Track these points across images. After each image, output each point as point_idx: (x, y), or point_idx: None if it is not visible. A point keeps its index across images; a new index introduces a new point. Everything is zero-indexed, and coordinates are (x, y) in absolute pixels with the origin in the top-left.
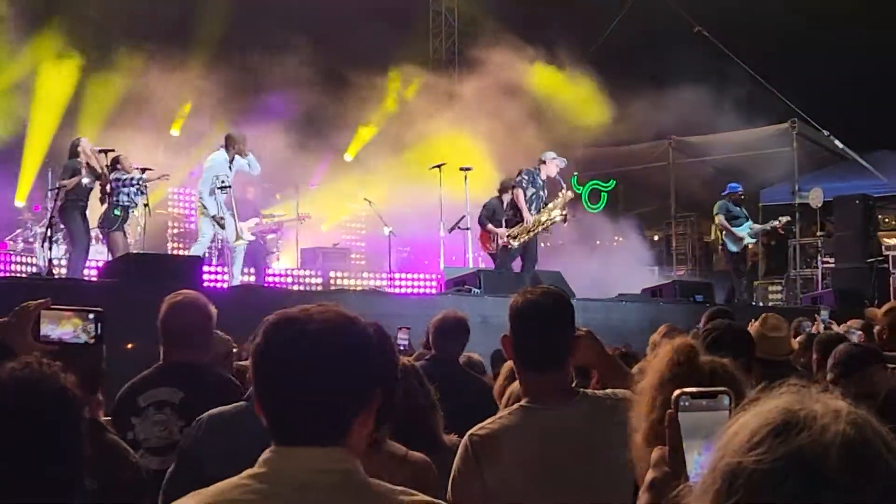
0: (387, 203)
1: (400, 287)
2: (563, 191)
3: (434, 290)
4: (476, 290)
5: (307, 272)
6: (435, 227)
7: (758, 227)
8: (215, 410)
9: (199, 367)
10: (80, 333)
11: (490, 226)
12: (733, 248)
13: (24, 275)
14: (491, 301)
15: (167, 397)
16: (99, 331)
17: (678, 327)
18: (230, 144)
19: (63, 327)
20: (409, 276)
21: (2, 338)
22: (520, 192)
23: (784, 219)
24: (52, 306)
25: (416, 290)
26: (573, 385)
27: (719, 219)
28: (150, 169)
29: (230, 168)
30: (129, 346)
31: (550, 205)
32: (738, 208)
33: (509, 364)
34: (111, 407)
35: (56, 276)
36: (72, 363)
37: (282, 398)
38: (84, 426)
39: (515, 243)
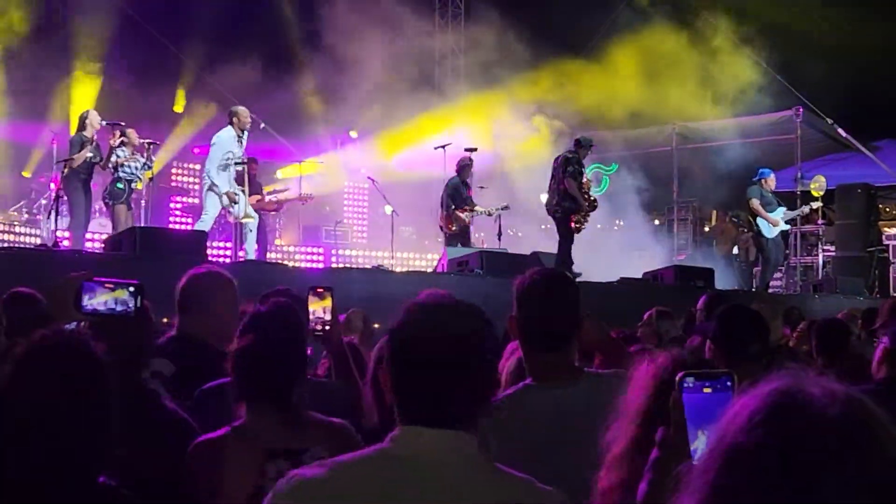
0: (390, 181)
1: (402, 266)
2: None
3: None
4: (478, 271)
5: (307, 249)
6: (435, 206)
7: (791, 212)
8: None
9: (199, 342)
10: (120, 305)
11: (453, 206)
12: (767, 233)
13: (29, 246)
14: (492, 281)
15: (160, 368)
16: (139, 303)
17: (668, 309)
18: (232, 118)
19: (104, 298)
20: (411, 255)
21: (45, 308)
22: (572, 181)
23: (816, 204)
24: (95, 278)
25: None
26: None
27: (754, 203)
28: (156, 143)
29: (240, 143)
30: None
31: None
32: (769, 194)
33: (511, 345)
34: None
35: (61, 248)
36: (112, 333)
37: (419, 382)
38: (114, 394)
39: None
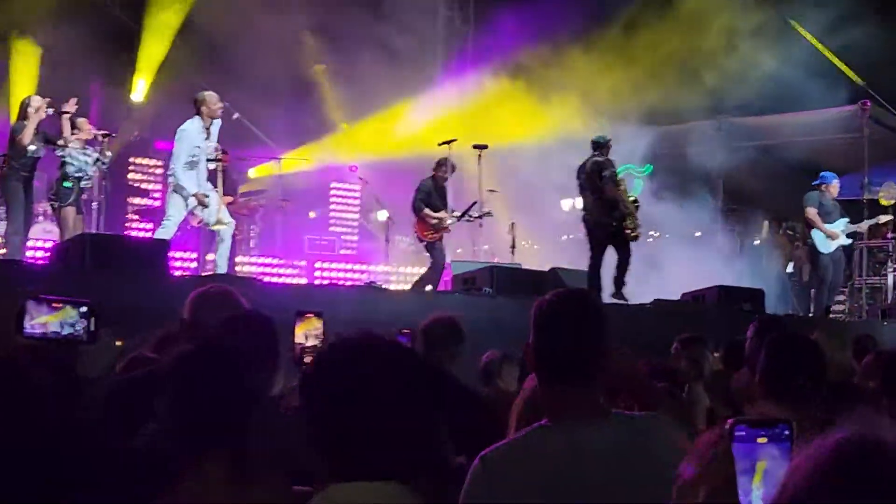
0: (385, 183)
1: (399, 283)
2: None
3: (439, 288)
4: (488, 290)
5: (287, 262)
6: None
7: (854, 225)
8: None
9: None
10: (68, 328)
11: (427, 210)
12: (823, 248)
13: None
14: (506, 302)
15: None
16: (92, 326)
17: (697, 335)
18: (200, 107)
19: (50, 320)
20: (410, 269)
21: None
22: (612, 186)
23: (885, 217)
24: (41, 296)
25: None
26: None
27: (810, 213)
28: (111, 134)
29: (207, 135)
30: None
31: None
32: (830, 202)
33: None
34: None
35: None
36: (60, 361)
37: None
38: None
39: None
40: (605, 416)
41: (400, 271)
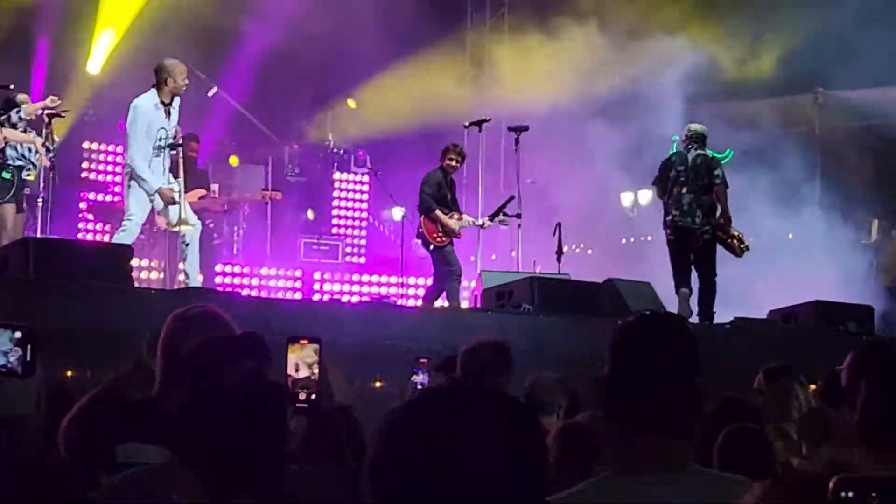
0: (399, 172)
1: (417, 298)
2: None
3: (467, 304)
4: (527, 307)
5: (279, 273)
6: (470, 212)
7: None
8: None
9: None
10: (2, 359)
11: (438, 212)
12: None
13: None
14: (549, 322)
15: (153, 458)
16: (29, 356)
17: (785, 365)
18: (163, 78)
19: None
20: (429, 281)
21: None
22: (724, 189)
23: None
24: None
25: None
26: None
27: None
28: (59, 114)
29: (168, 114)
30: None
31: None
32: None
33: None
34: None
35: None
36: None
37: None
38: None
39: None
40: (684, 471)
41: (419, 283)
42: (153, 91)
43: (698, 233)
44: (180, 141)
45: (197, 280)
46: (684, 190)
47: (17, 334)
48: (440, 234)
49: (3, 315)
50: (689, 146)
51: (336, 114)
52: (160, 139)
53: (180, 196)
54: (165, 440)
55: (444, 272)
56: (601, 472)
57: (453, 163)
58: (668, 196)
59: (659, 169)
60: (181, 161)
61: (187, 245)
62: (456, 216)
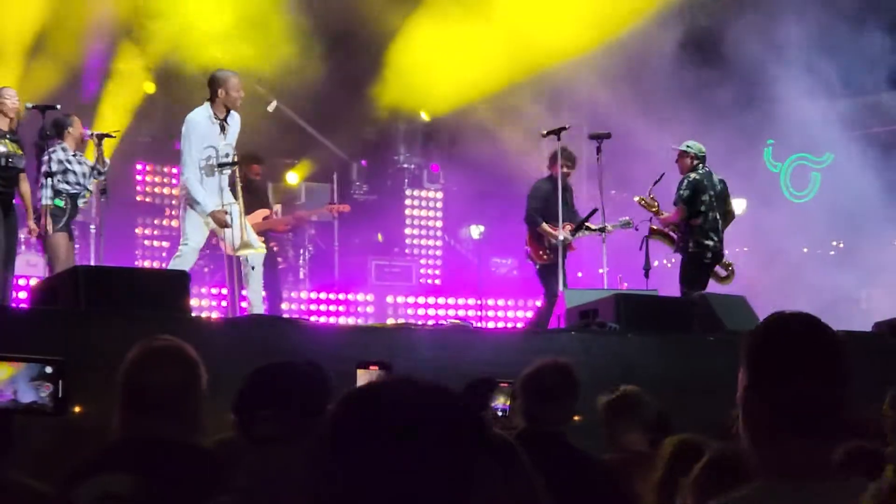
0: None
1: (496, 320)
2: None
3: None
4: (612, 325)
5: (348, 297)
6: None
7: None
8: None
9: (170, 443)
10: (28, 395)
11: (545, 225)
12: None
13: None
14: (637, 341)
15: (117, 488)
16: (61, 392)
17: None
18: (215, 90)
19: (8, 386)
20: (511, 302)
21: None
22: (683, 207)
23: None
24: None
25: (519, 325)
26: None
27: None
28: (109, 135)
29: (223, 130)
30: (77, 409)
31: None
32: None
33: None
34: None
35: None
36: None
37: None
38: None
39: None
40: (841, 475)
41: (498, 305)
42: (207, 104)
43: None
44: (235, 159)
45: (260, 307)
46: (717, 215)
47: (49, 368)
48: (545, 251)
49: (53, 348)
50: (699, 165)
51: (407, 126)
52: (210, 157)
53: (240, 218)
54: None
55: (547, 293)
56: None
57: (565, 169)
58: (702, 219)
59: (690, 188)
60: (237, 181)
61: (252, 269)
62: (569, 227)
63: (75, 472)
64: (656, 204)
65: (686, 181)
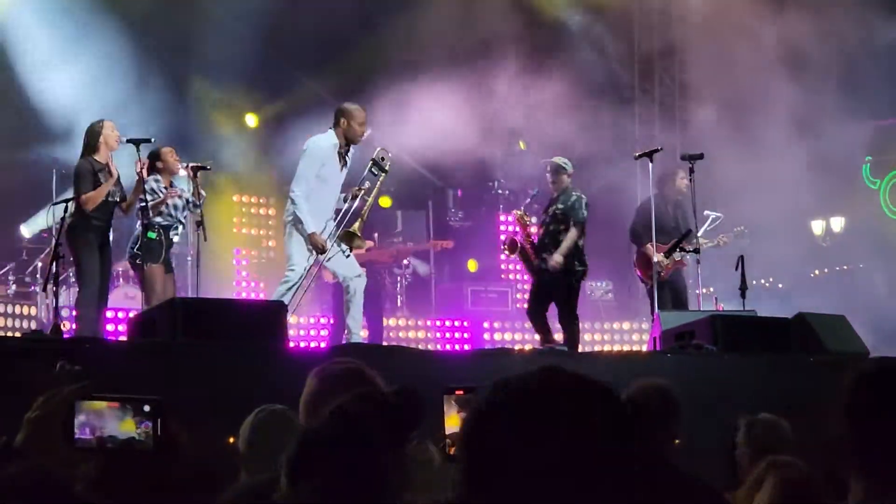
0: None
1: (591, 343)
2: None
3: (644, 347)
4: (709, 347)
5: (445, 324)
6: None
7: None
8: None
9: None
10: (132, 433)
11: (649, 246)
12: None
13: (17, 333)
14: (735, 363)
15: None
16: (160, 429)
17: None
18: (339, 121)
19: (108, 425)
20: (607, 326)
21: (22, 441)
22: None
23: None
24: (94, 394)
25: (616, 349)
26: None
27: None
28: (205, 167)
29: (342, 160)
30: (173, 443)
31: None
32: None
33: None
34: None
35: (65, 336)
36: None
37: None
38: None
39: None
40: None
41: (595, 328)
42: (331, 132)
43: None
44: (357, 193)
45: (360, 335)
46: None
47: (147, 407)
48: (651, 271)
49: (150, 380)
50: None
51: (505, 155)
52: (323, 179)
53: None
54: None
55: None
56: None
57: (671, 192)
58: (583, 240)
59: (586, 208)
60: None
61: (353, 296)
62: (671, 244)
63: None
64: (531, 222)
65: (581, 200)
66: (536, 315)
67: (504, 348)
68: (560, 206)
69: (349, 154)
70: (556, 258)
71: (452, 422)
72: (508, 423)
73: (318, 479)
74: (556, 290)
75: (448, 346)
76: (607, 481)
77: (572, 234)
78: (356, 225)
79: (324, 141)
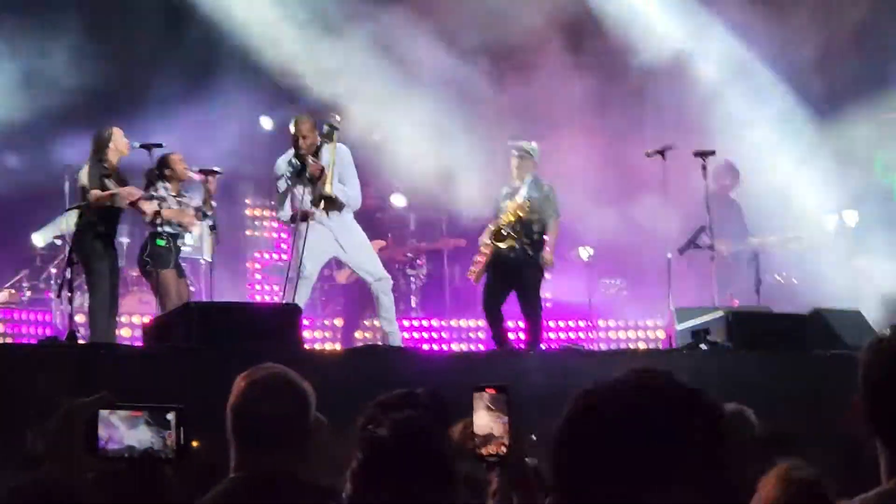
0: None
1: (607, 342)
2: None
3: (660, 345)
4: (724, 343)
5: (460, 324)
6: (657, 245)
7: None
8: None
9: (290, 481)
10: (154, 443)
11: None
12: None
13: (32, 340)
14: (749, 360)
15: None
16: (182, 439)
17: None
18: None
19: (129, 434)
20: (621, 323)
21: (45, 451)
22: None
23: None
24: (117, 404)
25: (631, 346)
26: None
27: None
28: (215, 172)
29: (299, 164)
30: (195, 443)
31: None
32: None
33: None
34: None
35: (79, 342)
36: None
37: None
38: None
39: None
40: None
41: (609, 326)
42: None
43: None
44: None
45: (396, 334)
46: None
47: (169, 416)
48: None
49: (167, 386)
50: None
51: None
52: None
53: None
54: None
55: None
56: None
57: (723, 187)
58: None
59: (556, 198)
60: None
61: (379, 300)
62: (723, 247)
63: None
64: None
65: (554, 191)
66: (495, 310)
67: (518, 348)
68: (534, 194)
69: (319, 153)
70: (548, 259)
71: (481, 419)
72: (603, 428)
73: (391, 482)
74: (523, 279)
75: (465, 347)
76: (706, 487)
77: (554, 228)
78: (327, 188)
79: (280, 160)
